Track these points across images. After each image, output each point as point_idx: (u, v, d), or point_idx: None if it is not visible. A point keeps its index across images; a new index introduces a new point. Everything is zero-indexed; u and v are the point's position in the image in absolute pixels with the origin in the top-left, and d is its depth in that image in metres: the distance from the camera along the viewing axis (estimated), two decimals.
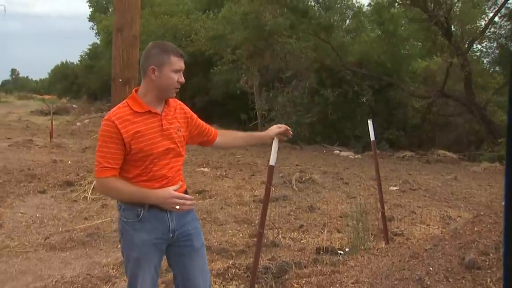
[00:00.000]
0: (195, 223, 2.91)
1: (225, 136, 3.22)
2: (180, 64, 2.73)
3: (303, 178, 10.11)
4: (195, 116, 3.05)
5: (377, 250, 4.45)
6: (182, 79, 2.75)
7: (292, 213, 7.16)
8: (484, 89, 20.53)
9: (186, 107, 3.01)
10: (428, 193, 9.33)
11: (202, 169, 11.39)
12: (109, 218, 6.72)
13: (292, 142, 19.13)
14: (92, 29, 45.73)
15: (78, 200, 8.05)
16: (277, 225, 6.33)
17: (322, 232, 6.07)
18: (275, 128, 3.19)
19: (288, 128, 3.23)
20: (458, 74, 19.22)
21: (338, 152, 17.94)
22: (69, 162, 11.64)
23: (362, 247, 4.59)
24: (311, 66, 20.32)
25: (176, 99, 2.93)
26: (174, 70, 2.70)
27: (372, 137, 4.74)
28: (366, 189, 9.54)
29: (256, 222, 6.46)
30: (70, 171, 10.14)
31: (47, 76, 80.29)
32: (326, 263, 4.25)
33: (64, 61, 65.25)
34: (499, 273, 2.77)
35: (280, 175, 10.76)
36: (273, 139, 3.23)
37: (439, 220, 6.92)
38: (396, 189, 9.45)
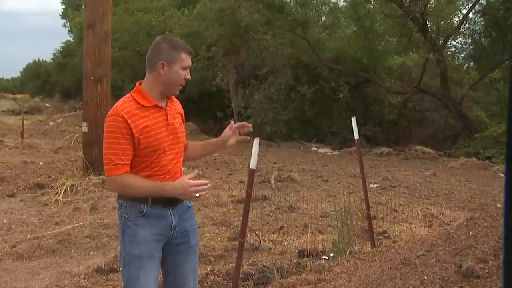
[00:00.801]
0: (192, 220, 2.89)
1: (190, 149, 3.06)
2: (189, 61, 2.70)
3: (282, 177, 9.93)
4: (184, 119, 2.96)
5: (363, 254, 4.26)
6: (189, 76, 2.71)
7: (271, 213, 6.96)
8: (459, 84, 20.63)
9: (181, 106, 2.94)
10: (409, 190, 9.22)
11: None
12: (81, 223, 6.42)
13: (269, 139, 18.98)
14: (65, 26, 44.96)
15: (49, 203, 7.74)
16: (256, 227, 6.11)
17: (303, 234, 5.88)
18: (228, 130, 3.02)
19: (246, 123, 3.08)
20: (434, 70, 19.28)
21: (315, 148, 17.81)
22: (41, 163, 11.27)
23: (347, 251, 4.39)
24: (287, 63, 20.15)
25: (175, 98, 2.87)
26: (183, 67, 2.66)
27: (356, 136, 4.55)
28: (346, 186, 9.39)
29: (235, 224, 6.24)
30: (42, 173, 9.79)
31: (19, 75, 78.75)
32: (311, 270, 4.04)
33: (37, 59, 64.09)
34: (500, 282, 2.59)
35: (258, 173, 10.55)
36: (226, 141, 3.03)
37: (421, 219, 6.79)
38: (376, 187, 9.33)
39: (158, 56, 2.64)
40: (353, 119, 4.55)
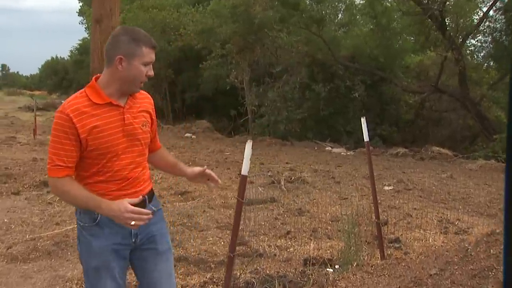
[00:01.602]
0: (160, 224, 2.67)
1: (158, 154, 2.82)
2: (151, 56, 2.42)
3: (293, 178, 9.65)
4: (155, 117, 2.70)
5: (372, 267, 3.95)
6: (151, 73, 2.45)
7: (279, 217, 6.67)
8: (479, 84, 20.12)
9: (153, 103, 2.67)
10: (424, 193, 8.87)
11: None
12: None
13: (283, 138, 18.71)
14: (82, 23, 45.06)
15: (53, 202, 7.54)
16: (262, 231, 5.84)
17: (311, 239, 5.60)
18: (198, 171, 2.77)
19: (215, 179, 2.80)
20: (452, 69, 18.83)
21: (330, 148, 17.47)
22: None
23: (355, 263, 4.09)
24: (302, 61, 19.85)
25: (145, 92, 2.63)
26: (144, 62, 2.39)
27: (366, 137, 4.26)
28: (359, 189, 9.07)
29: (241, 228, 5.96)
30: None
31: (38, 72, 79.32)
32: (313, 283, 3.75)
33: (55, 57, 64.52)
34: None
35: (269, 174, 10.29)
36: (192, 178, 2.78)
37: (436, 224, 6.46)
38: (390, 189, 8.99)
39: (116, 50, 2.37)
40: (363, 120, 4.25)
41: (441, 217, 6.89)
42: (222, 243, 5.48)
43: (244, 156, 2.70)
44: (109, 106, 2.38)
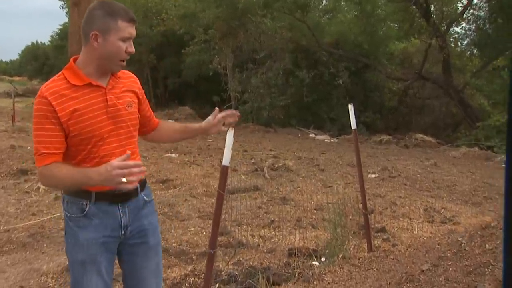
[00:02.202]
0: (152, 217, 2.50)
1: (159, 129, 2.65)
2: (130, 30, 2.23)
3: (276, 165, 9.51)
4: (144, 96, 2.52)
5: (359, 259, 3.81)
6: (132, 49, 2.25)
7: (263, 206, 6.52)
8: (462, 71, 20.14)
9: (139, 83, 2.48)
10: (409, 181, 8.79)
11: (170, 155, 10.69)
12: (59, 214, 5.97)
13: (266, 125, 18.56)
14: (62, 8, 44.24)
15: (31, 191, 7.32)
16: (245, 221, 5.69)
17: (295, 229, 5.46)
18: (212, 118, 2.60)
19: (234, 112, 2.62)
20: (436, 56, 18.79)
21: (313, 135, 17.37)
22: (29, 147, 10.81)
23: (341, 255, 3.95)
24: (286, 47, 19.64)
25: (128, 72, 2.46)
26: (122, 37, 2.21)
27: (354, 125, 4.09)
28: (344, 176, 8.96)
29: (223, 217, 5.80)
30: (28, 158, 9.34)
31: (18, 57, 77.99)
32: (299, 278, 3.61)
33: (35, 42, 63.46)
34: None
35: (252, 161, 10.14)
36: (207, 129, 2.60)
37: (422, 213, 6.37)
38: (375, 177, 8.90)
39: (91, 25, 2.20)
40: (350, 107, 4.09)
41: (426, 205, 6.80)
42: (204, 233, 5.32)
43: (226, 145, 2.51)
44: (90, 87, 2.22)
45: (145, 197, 2.45)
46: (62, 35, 45.46)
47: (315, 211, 6.39)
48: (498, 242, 2.77)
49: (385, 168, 9.85)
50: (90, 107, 2.19)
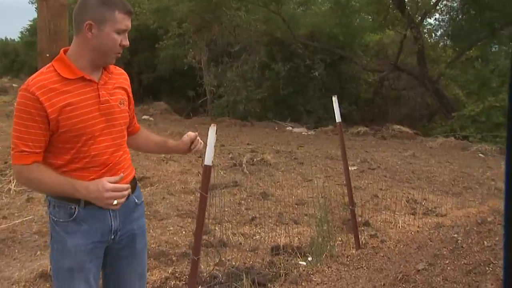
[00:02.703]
0: (141, 220, 2.41)
1: (139, 135, 2.53)
2: (126, 23, 2.12)
3: (255, 159, 9.36)
4: (132, 97, 2.39)
5: (347, 258, 3.69)
6: (127, 42, 2.15)
7: (243, 202, 6.38)
8: (436, 62, 20.21)
9: (129, 80, 2.36)
10: (388, 172, 8.74)
11: None
12: (31, 217, 5.73)
13: (243, 119, 18.39)
14: (32, 3, 43.33)
15: (1, 193, 7.02)
16: (226, 218, 5.53)
17: (277, 225, 5.33)
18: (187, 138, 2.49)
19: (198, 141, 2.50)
20: (410, 48, 18.80)
21: (290, 128, 17.25)
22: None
23: (328, 253, 3.82)
24: (261, 40, 19.44)
25: (120, 68, 2.35)
26: (118, 29, 2.09)
27: (338, 118, 3.96)
28: (323, 170, 8.87)
29: None
30: None
31: None
32: (286, 279, 3.47)
33: (4, 38, 62.02)
34: None
35: (230, 156, 9.98)
36: (189, 146, 2.47)
37: (404, 205, 6.31)
38: (354, 169, 8.81)
39: (85, 14, 2.05)
40: (334, 99, 3.95)
41: (408, 197, 6.76)
42: (184, 232, 5.15)
43: (207, 143, 2.34)
44: (82, 81, 2.08)
45: (136, 199, 2.33)
46: (32, 31, 44.44)
47: (296, 206, 6.27)
48: (497, 239, 2.66)
49: (364, 160, 9.79)
50: (82, 102, 2.06)
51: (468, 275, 2.48)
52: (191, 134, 2.48)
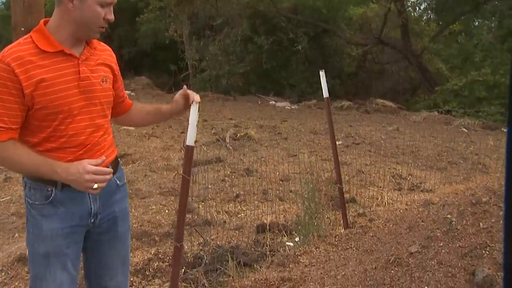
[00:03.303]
0: (123, 202, 2.29)
1: (132, 111, 2.39)
2: None
3: (238, 135, 9.23)
4: (120, 73, 2.25)
5: (335, 237, 3.59)
6: (111, 16, 2.03)
7: (227, 178, 6.26)
8: (420, 36, 20.16)
9: (115, 57, 2.21)
10: (373, 147, 8.68)
11: (127, 127, 10.26)
12: (9, 197, 5.56)
13: (225, 93, 18.20)
14: None
15: None
16: (210, 196, 5.42)
17: (262, 202, 5.23)
18: (180, 97, 2.36)
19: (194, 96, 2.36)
20: (394, 21, 18.72)
21: (273, 102, 17.10)
22: None
23: (315, 232, 3.73)
24: (243, 12, 19.17)
25: (104, 44, 2.22)
26: (101, 2, 1.97)
27: (325, 93, 3.83)
28: (307, 144, 8.79)
29: None
30: None
31: None
32: (272, 261, 3.37)
33: None
34: None
35: (213, 131, 9.85)
36: (183, 103, 2.33)
37: (389, 180, 6.25)
38: (339, 144, 8.72)
39: None
40: (322, 74, 3.81)
41: (393, 172, 6.70)
42: (167, 211, 5.03)
43: (189, 122, 2.19)
44: (61, 55, 1.94)
45: (117, 181, 2.20)
46: (8, 4, 43.55)
47: (281, 182, 6.18)
48: (493, 221, 2.57)
49: (348, 135, 9.74)
50: (60, 78, 1.93)
51: (463, 259, 2.40)
52: (180, 91, 2.35)
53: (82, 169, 1.89)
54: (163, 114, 2.41)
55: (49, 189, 1.98)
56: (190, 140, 2.19)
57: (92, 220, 2.10)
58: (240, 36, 18.44)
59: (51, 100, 1.90)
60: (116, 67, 2.21)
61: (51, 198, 1.99)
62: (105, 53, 2.15)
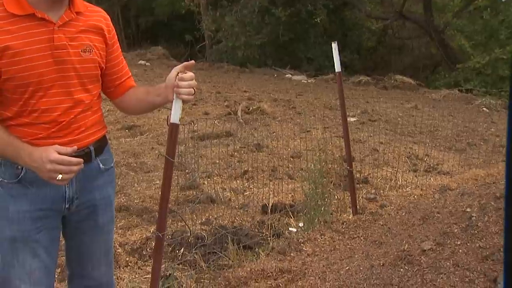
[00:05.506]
0: (107, 189, 2.03)
1: (126, 97, 2.07)
2: None
3: (251, 108, 8.98)
4: (117, 42, 1.96)
5: (343, 224, 3.37)
6: None
7: (235, 153, 6.04)
8: (443, 11, 19.54)
9: (110, 22, 1.92)
10: (389, 125, 8.41)
11: None
12: None
13: (241, 65, 17.90)
14: None
15: None
16: (216, 171, 5.22)
17: (270, 180, 5.03)
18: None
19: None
20: None
21: (290, 76, 16.78)
22: None
23: (321, 218, 3.51)
24: None
25: (98, 7, 1.95)
26: None
27: (338, 67, 3.56)
28: (321, 120, 8.51)
29: (192, 167, 5.32)
30: None
31: None
32: (273, 248, 3.16)
33: None
34: None
35: (225, 103, 9.62)
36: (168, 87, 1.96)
37: (404, 160, 6.00)
38: (354, 121, 8.47)
39: None
40: (334, 46, 3.54)
41: (409, 152, 6.45)
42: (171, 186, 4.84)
43: (174, 98, 1.92)
44: (32, 19, 1.70)
45: (101, 164, 1.96)
46: None
47: (291, 159, 5.96)
48: None
49: (364, 111, 9.46)
50: (29, 45, 1.68)
51: (484, 262, 2.11)
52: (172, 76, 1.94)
53: (46, 157, 1.67)
54: (157, 99, 2.05)
55: (19, 166, 1.78)
56: (174, 117, 1.94)
57: (67, 206, 1.89)
58: (257, 7, 17.99)
59: (18, 71, 1.68)
60: (110, 35, 1.93)
61: (20, 176, 1.79)
62: (94, 18, 1.88)
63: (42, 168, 1.68)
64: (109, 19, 1.96)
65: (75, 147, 1.75)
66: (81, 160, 1.74)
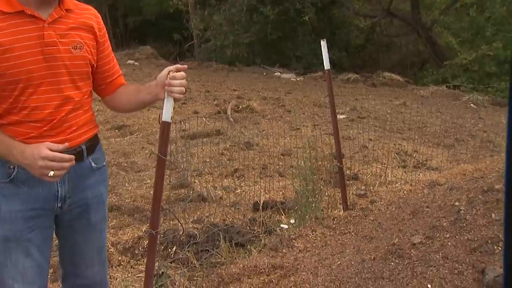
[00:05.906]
0: (99, 188, 2.03)
1: (117, 95, 2.08)
2: None
3: (240, 106, 9.01)
4: (108, 41, 1.97)
5: (333, 220, 3.40)
6: None
7: (225, 152, 6.06)
8: (430, 8, 19.67)
9: (101, 20, 1.94)
10: (378, 121, 8.46)
11: None
12: None
13: (230, 64, 17.91)
14: None
15: None
16: (207, 170, 5.24)
17: (261, 177, 5.05)
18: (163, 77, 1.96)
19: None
20: None
21: (279, 74, 16.82)
22: None
23: (312, 214, 3.54)
24: None
25: (88, 5, 1.96)
26: None
27: (327, 65, 3.58)
28: (310, 118, 8.56)
29: (182, 167, 5.33)
30: None
31: None
32: (265, 245, 3.18)
33: None
34: None
35: (215, 102, 9.64)
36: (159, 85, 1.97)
37: (394, 156, 6.05)
38: (343, 118, 8.52)
39: None
40: (323, 43, 3.56)
41: (398, 148, 6.50)
42: None
43: (165, 95, 1.92)
44: (22, 16, 1.70)
45: (92, 163, 1.97)
46: None
47: (282, 156, 5.98)
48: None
49: (354, 108, 9.51)
50: (18, 42, 1.69)
51: (472, 254, 2.15)
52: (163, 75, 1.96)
53: (37, 154, 1.67)
54: (147, 97, 2.05)
55: (11, 166, 1.78)
56: (166, 115, 1.95)
57: (60, 205, 1.89)
58: (245, 5, 18.00)
59: (8, 67, 1.68)
60: (100, 33, 1.93)
61: (12, 176, 1.79)
62: (84, 15, 1.89)
63: (33, 165, 1.68)
64: (100, 17, 1.97)
65: (67, 144, 1.75)
66: (72, 156, 1.75)
